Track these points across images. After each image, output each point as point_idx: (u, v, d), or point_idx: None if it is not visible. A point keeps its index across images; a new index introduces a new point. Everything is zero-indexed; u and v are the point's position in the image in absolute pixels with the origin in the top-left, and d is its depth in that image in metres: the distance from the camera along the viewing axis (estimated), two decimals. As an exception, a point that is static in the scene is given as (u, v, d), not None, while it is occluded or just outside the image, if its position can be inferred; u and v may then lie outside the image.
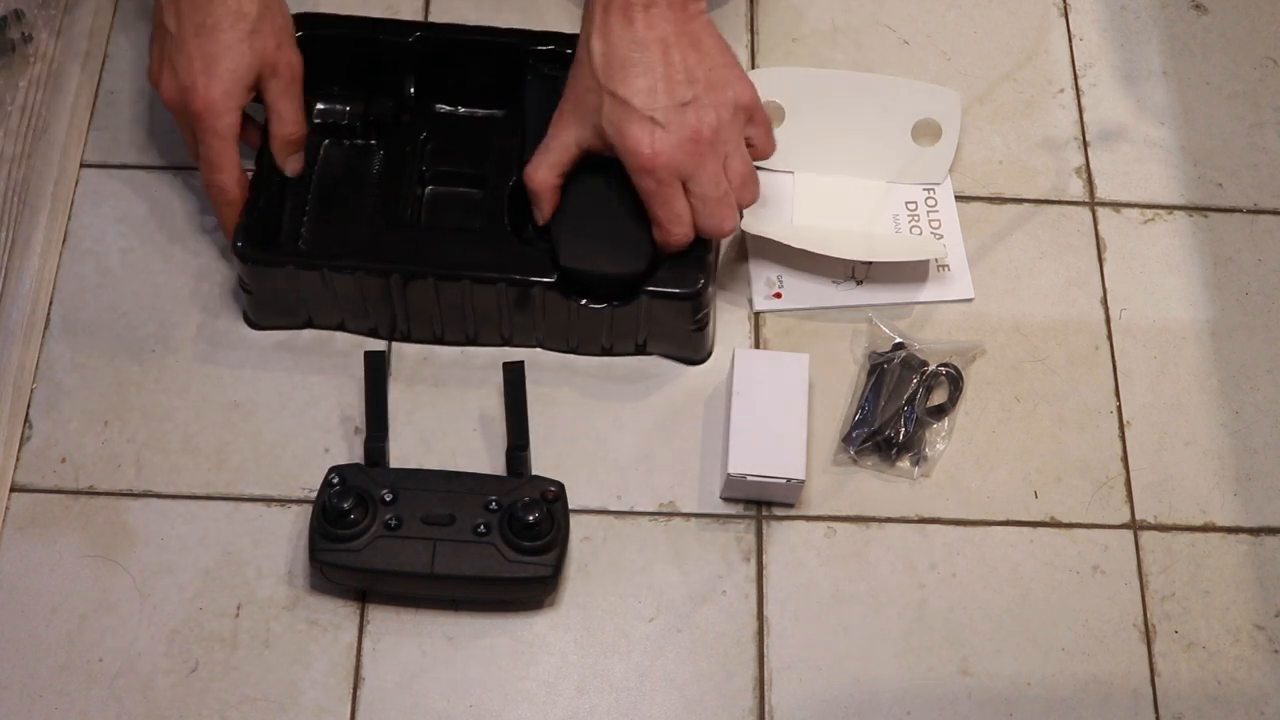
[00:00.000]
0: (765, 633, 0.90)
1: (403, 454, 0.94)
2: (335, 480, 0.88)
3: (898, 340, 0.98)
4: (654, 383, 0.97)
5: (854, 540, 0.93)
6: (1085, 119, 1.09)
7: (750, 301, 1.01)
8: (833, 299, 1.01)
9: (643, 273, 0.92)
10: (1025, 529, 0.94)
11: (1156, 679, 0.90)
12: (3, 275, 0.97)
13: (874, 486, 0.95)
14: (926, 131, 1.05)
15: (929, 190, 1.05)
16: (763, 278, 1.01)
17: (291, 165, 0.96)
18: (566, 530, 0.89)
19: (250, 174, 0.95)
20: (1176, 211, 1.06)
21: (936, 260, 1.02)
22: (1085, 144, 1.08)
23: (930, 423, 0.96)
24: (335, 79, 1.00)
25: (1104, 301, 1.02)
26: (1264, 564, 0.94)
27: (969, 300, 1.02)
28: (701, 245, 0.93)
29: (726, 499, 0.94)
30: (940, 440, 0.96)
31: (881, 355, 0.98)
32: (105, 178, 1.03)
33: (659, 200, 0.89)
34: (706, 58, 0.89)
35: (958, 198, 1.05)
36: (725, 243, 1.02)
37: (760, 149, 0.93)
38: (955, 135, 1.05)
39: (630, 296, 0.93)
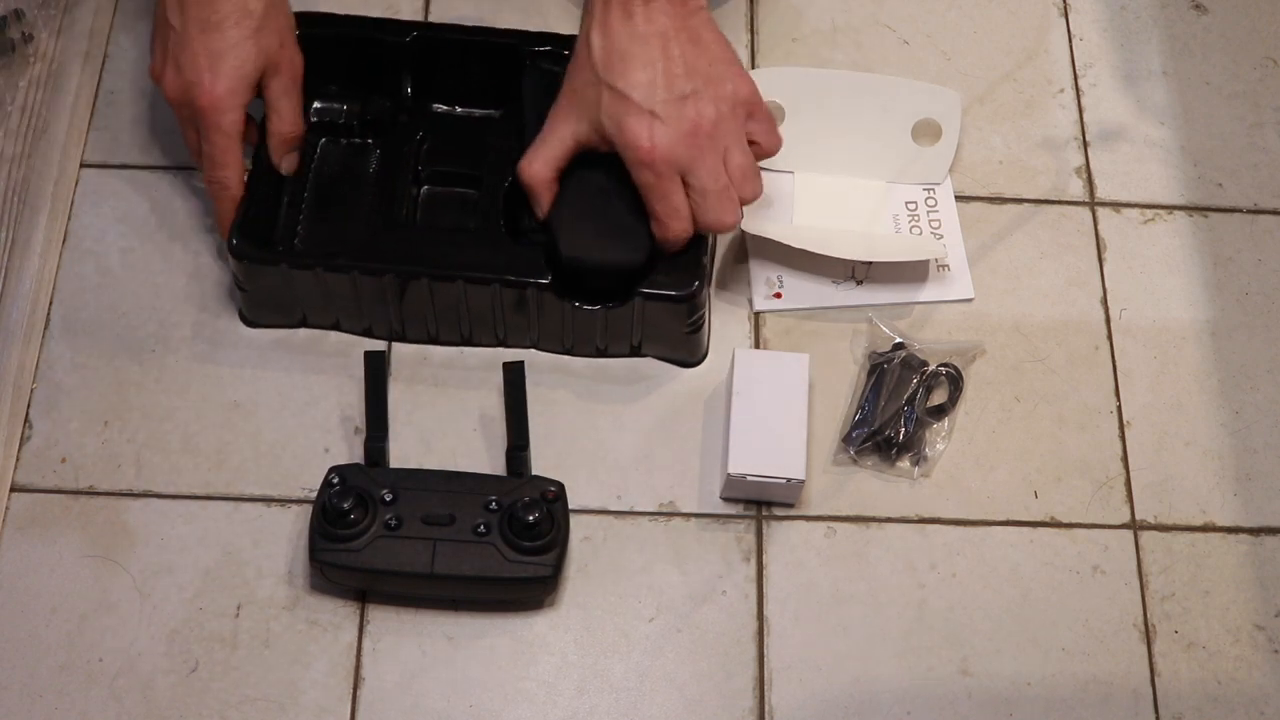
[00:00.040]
0: (765, 633, 0.90)
1: (403, 454, 0.94)
2: (335, 480, 0.88)
3: (898, 340, 0.98)
4: (654, 383, 0.97)
5: (854, 540, 0.93)
6: (1085, 119, 1.09)
7: (750, 301, 1.01)
8: (833, 299, 1.01)
9: (642, 264, 0.92)
10: (1025, 529, 0.94)
11: (1156, 679, 0.90)
12: (3, 275, 0.97)
13: (874, 486, 0.95)
14: (926, 131, 1.05)
15: (929, 190, 1.05)
16: (763, 278, 1.01)
17: (287, 163, 0.96)
18: (566, 530, 0.89)
19: (247, 172, 0.95)
20: (1176, 211, 1.06)
21: (936, 260, 1.02)
22: (1085, 144, 1.08)
23: (930, 423, 0.96)
24: (333, 78, 1.00)
25: (1104, 301, 1.02)
26: (1264, 564, 0.94)
27: (969, 300, 1.02)
28: (697, 247, 0.93)
29: (726, 499, 0.94)
30: (940, 440, 0.96)
31: (881, 355, 0.98)
32: (105, 178, 1.03)
33: (657, 194, 0.89)
34: (706, 53, 0.89)
35: (958, 198, 1.05)
36: (724, 243, 1.02)
37: (764, 145, 0.93)
38: (955, 135, 1.05)
39: (625, 298, 0.92)
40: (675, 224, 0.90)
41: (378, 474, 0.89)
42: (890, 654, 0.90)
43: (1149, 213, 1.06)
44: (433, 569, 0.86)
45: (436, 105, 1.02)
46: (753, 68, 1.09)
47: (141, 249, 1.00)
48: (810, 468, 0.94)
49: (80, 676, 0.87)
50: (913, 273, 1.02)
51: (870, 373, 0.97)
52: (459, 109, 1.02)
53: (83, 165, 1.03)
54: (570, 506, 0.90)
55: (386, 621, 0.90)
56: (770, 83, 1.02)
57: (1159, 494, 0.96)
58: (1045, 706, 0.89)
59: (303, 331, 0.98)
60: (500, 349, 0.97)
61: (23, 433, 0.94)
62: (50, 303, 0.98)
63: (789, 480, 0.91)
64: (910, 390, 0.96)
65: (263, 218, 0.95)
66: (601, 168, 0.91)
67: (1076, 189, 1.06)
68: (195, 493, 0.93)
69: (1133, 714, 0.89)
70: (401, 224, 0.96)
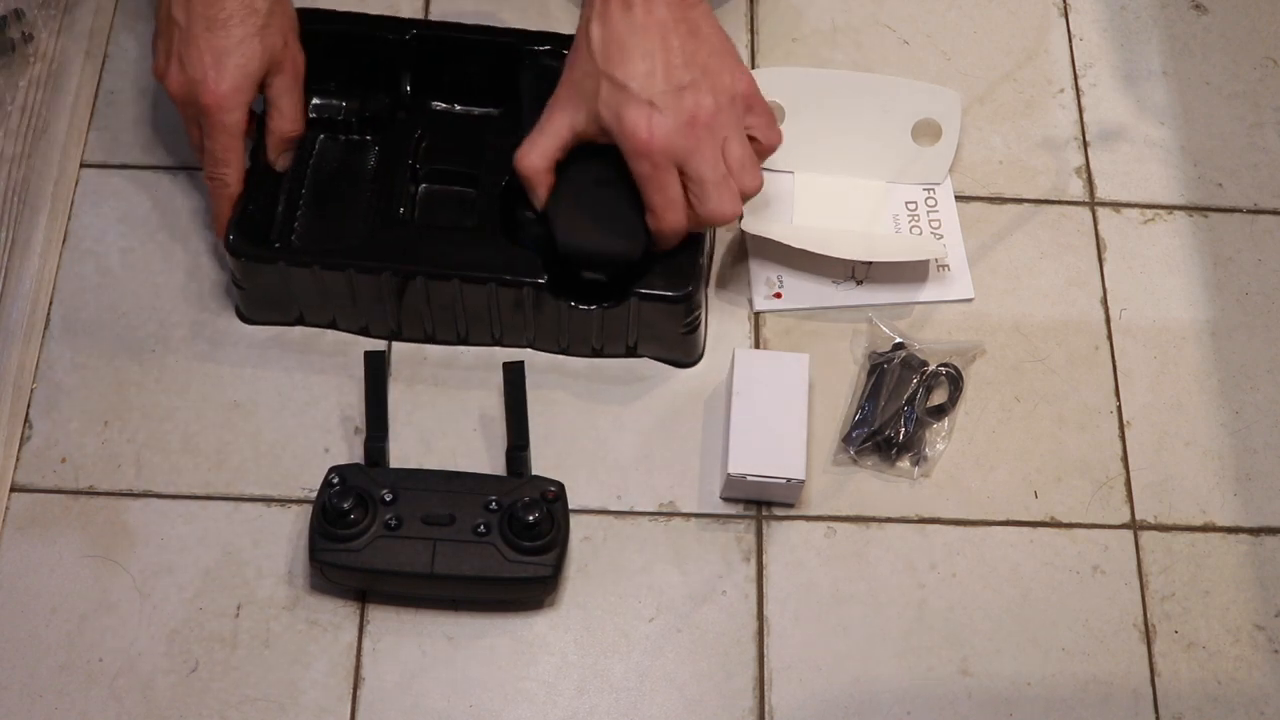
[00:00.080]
0: (765, 633, 0.90)
1: (403, 454, 0.94)
2: (335, 480, 0.88)
3: (898, 340, 0.98)
4: (654, 383, 0.97)
5: (854, 540, 0.93)
6: (1085, 119, 1.09)
7: (750, 301, 1.01)
8: (833, 299, 1.01)
9: (639, 257, 0.91)
10: (1025, 529, 0.94)
11: (1156, 679, 0.90)
12: (3, 275, 0.97)
13: (874, 486, 0.95)
14: (926, 131, 1.05)
15: (929, 190, 1.05)
16: (763, 278, 1.01)
17: (282, 161, 0.96)
18: (566, 530, 0.89)
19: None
20: (1176, 211, 1.06)
21: (936, 260, 1.02)
22: (1085, 144, 1.08)
23: (930, 423, 0.96)
24: (332, 75, 1.00)
25: (1104, 301, 1.02)
26: (1264, 564, 0.94)
27: (969, 300, 1.02)
28: (692, 248, 0.93)
29: (726, 499, 0.94)
30: (940, 440, 0.96)
31: (881, 355, 0.98)
32: (105, 178, 1.03)
33: (654, 185, 0.88)
34: (705, 45, 0.88)
35: (958, 198, 1.05)
36: (724, 243, 1.02)
37: (763, 140, 0.92)
38: (955, 135, 1.05)
39: (621, 298, 0.92)
40: (670, 215, 0.89)
41: (378, 474, 0.89)
42: (890, 654, 0.90)
43: (1149, 213, 1.06)
44: (433, 569, 0.86)
45: (435, 103, 1.02)
46: (753, 68, 1.09)
47: (141, 249, 1.00)
48: (810, 468, 0.94)
49: (80, 676, 0.87)
50: (913, 273, 1.02)
51: (870, 373, 0.97)
52: (458, 107, 1.02)
53: (83, 165, 1.03)
54: (570, 506, 0.90)
55: (386, 621, 0.90)
56: (770, 83, 1.02)
57: (1159, 494, 0.96)
58: (1045, 706, 0.89)
59: (304, 331, 0.98)
60: (502, 349, 0.97)
61: (23, 433, 0.94)
62: (50, 303, 0.98)
63: (789, 480, 0.91)
64: (910, 390, 0.96)
65: (260, 215, 0.95)
66: (599, 160, 0.91)
67: (1076, 189, 1.06)
68: (195, 493, 0.93)
69: (1133, 714, 0.89)
70: (399, 222, 0.96)
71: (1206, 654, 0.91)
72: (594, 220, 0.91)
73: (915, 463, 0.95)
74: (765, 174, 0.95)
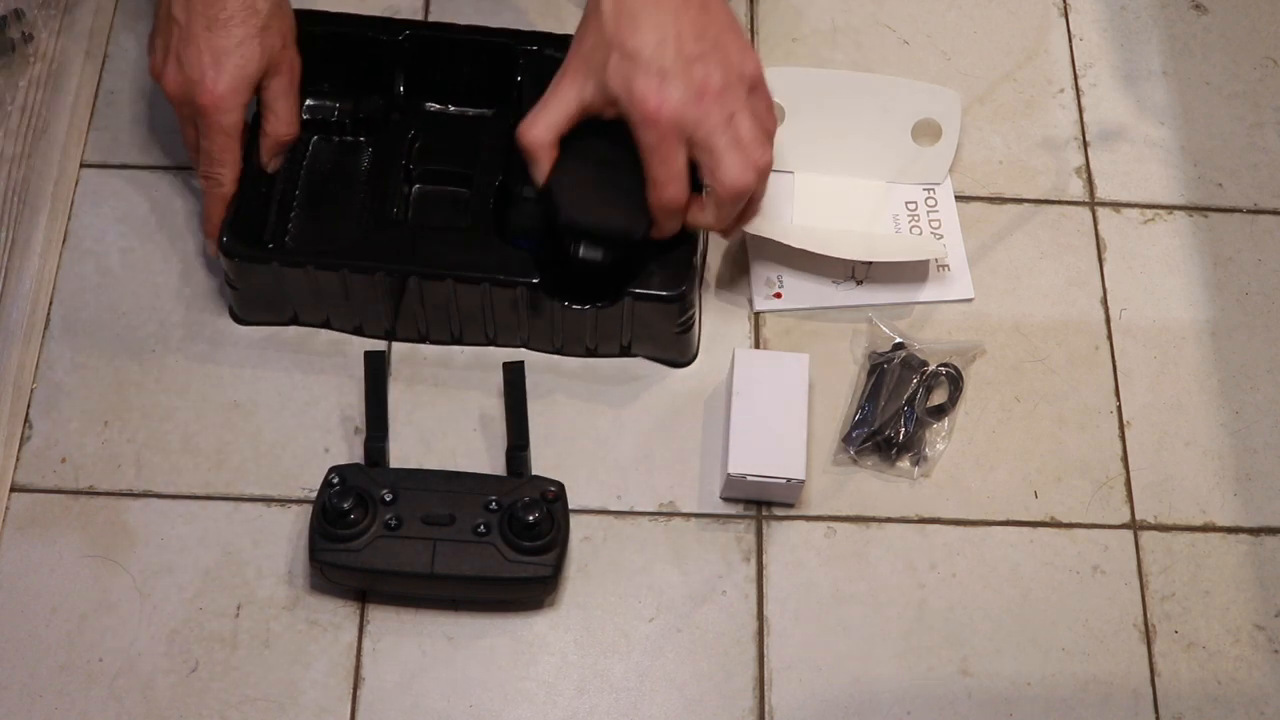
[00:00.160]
0: (765, 633, 0.90)
1: (403, 454, 0.94)
2: (335, 480, 0.88)
3: (898, 340, 0.98)
4: (654, 383, 0.97)
5: (854, 540, 0.93)
6: (1085, 119, 1.09)
7: (750, 301, 1.01)
8: (833, 299, 1.01)
9: (640, 238, 0.90)
10: (1025, 529, 0.94)
11: (1156, 679, 0.90)
12: (3, 275, 0.97)
13: (874, 486, 0.95)
14: (926, 131, 1.05)
15: (929, 190, 1.05)
16: (763, 278, 1.01)
17: (274, 163, 0.96)
18: (566, 530, 0.89)
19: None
20: (1176, 211, 1.06)
21: (936, 260, 1.02)
22: (1085, 144, 1.08)
23: (930, 423, 0.96)
24: (325, 75, 1.00)
25: (1104, 301, 1.02)
26: (1264, 564, 0.94)
27: (969, 300, 1.02)
28: (687, 248, 0.93)
29: (726, 499, 0.94)
30: (940, 440, 0.96)
31: (881, 355, 0.98)
32: (105, 178, 1.03)
33: (659, 156, 0.86)
34: (715, 21, 0.87)
35: (958, 198, 1.05)
36: (724, 243, 1.02)
37: (764, 124, 0.90)
38: (955, 135, 1.05)
39: (615, 298, 0.92)
40: (672, 188, 0.87)
41: (378, 474, 0.89)
42: (890, 654, 0.90)
43: (1149, 213, 1.06)
44: (433, 569, 0.86)
45: (429, 104, 1.02)
46: (753, 68, 1.09)
47: (141, 249, 1.00)
48: (810, 468, 0.93)
49: (80, 676, 0.87)
50: (913, 273, 1.02)
51: (870, 373, 0.97)
52: (452, 108, 1.02)
53: (83, 165, 1.03)
54: (570, 506, 0.90)
55: (386, 621, 0.90)
56: (770, 83, 1.01)
57: (1159, 494, 0.96)
58: (1045, 706, 0.89)
59: (303, 331, 0.98)
60: (503, 349, 0.97)
61: (23, 433, 0.94)
62: (50, 303, 0.98)
63: (789, 480, 0.91)
64: (910, 390, 0.96)
65: (254, 215, 0.95)
66: (602, 139, 0.89)
67: (1076, 189, 1.06)
68: (195, 493, 0.93)
69: (1133, 714, 0.89)
70: (393, 222, 0.96)
71: (1206, 654, 0.91)
72: (596, 197, 0.89)
73: (915, 463, 0.95)
74: (765, 174, 0.95)
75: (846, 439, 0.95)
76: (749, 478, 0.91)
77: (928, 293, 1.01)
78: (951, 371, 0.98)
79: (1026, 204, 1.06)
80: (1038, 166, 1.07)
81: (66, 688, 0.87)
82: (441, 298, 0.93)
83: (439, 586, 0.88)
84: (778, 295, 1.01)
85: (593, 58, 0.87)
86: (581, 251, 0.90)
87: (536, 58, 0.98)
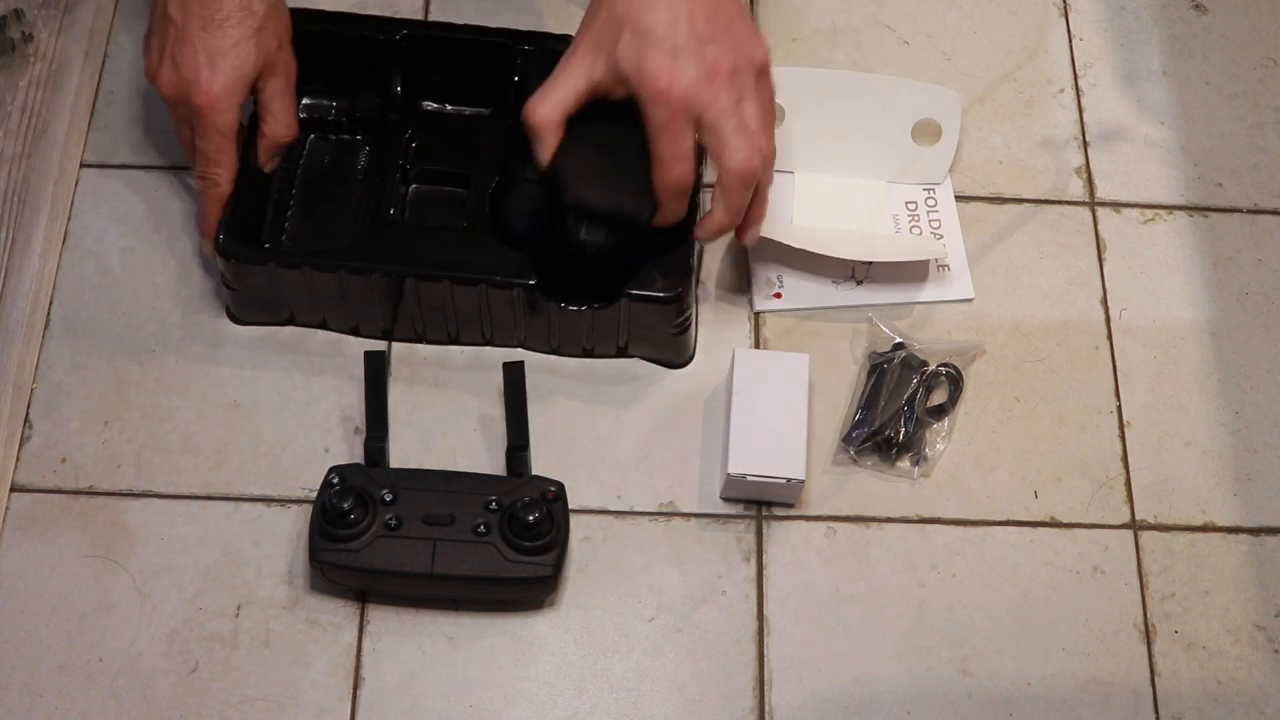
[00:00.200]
0: (765, 633, 0.90)
1: (403, 454, 0.94)
2: (335, 480, 0.88)
3: (898, 340, 0.98)
4: (654, 383, 0.97)
5: (854, 540, 0.93)
6: (1085, 119, 1.09)
7: (750, 301, 1.01)
8: (833, 299, 1.01)
9: (645, 222, 0.89)
10: (1025, 529, 0.94)
11: (1156, 679, 0.90)
12: (3, 275, 0.97)
13: (874, 486, 0.95)
14: (926, 131, 1.05)
15: (929, 190, 1.05)
16: (763, 278, 1.01)
17: (270, 164, 0.96)
18: (566, 530, 0.89)
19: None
20: (1176, 211, 1.06)
21: (936, 260, 1.02)
22: (1085, 144, 1.08)
23: (930, 423, 0.96)
24: (322, 75, 0.99)
25: (1104, 301, 1.02)
26: (1264, 564, 0.94)
27: (969, 300, 1.02)
28: (684, 249, 0.93)
29: (726, 499, 0.94)
30: (940, 440, 0.96)
31: (881, 355, 0.98)
32: (105, 178, 1.03)
33: (667, 134, 0.85)
34: (727, 6, 0.87)
35: (958, 198, 1.05)
36: (724, 243, 1.02)
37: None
38: (955, 135, 1.05)
39: (611, 299, 0.92)
40: (679, 167, 0.86)
41: (378, 474, 0.89)
42: (890, 654, 0.90)
43: (1149, 213, 1.06)
44: (433, 569, 0.86)
45: (426, 103, 1.02)
46: (753, 68, 1.09)
47: (141, 249, 1.00)
48: (810, 468, 0.93)
49: (80, 676, 0.87)
50: (913, 273, 1.02)
51: (870, 373, 0.97)
52: (449, 107, 1.02)
53: (82, 165, 1.03)
54: (570, 506, 0.90)
55: (386, 621, 0.90)
56: (770, 83, 1.02)
57: (1159, 494, 0.96)
58: (1045, 706, 0.89)
59: (303, 331, 0.97)
60: (503, 349, 0.97)
61: (23, 433, 0.94)
62: (50, 303, 0.98)
63: (789, 480, 0.91)
64: (910, 390, 0.96)
65: (250, 216, 0.95)
66: (609, 122, 0.88)
67: (1076, 189, 1.06)
68: (195, 493, 0.93)
69: (1133, 714, 0.89)
70: (389, 222, 0.96)
71: (1206, 654, 0.91)
72: (602, 179, 0.89)
73: (915, 463, 0.95)
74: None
75: (846, 439, 0.95)
76: (749, 478, 0.91)
77: (928, 293, 1.01)
78: (951, 371, 0.98)
79: (1026, 204, 1.06)
80: (1038, 166, 1.07)
81: (66, 688, 0.87)
82: (438, 298, 0.93)
83: (439, 586, 0.88)
84: (778, 295, 1.01)
85: (604, 36, 0.86)
86: (584, 233, 0.89)
87: (539, 51, 0.98)
